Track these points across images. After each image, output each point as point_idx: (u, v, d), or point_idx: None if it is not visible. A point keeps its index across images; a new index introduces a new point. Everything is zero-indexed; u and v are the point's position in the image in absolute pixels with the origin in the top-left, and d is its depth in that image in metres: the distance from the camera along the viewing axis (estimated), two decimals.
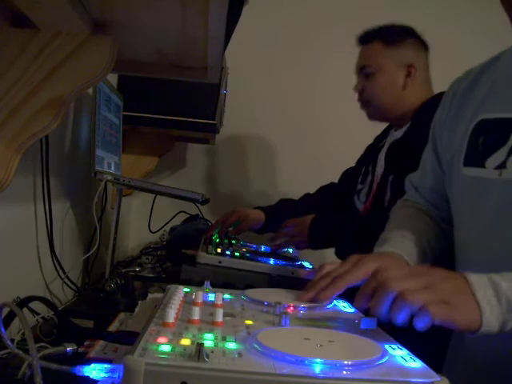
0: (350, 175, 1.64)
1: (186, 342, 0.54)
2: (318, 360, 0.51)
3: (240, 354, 0.52)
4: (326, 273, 0.84)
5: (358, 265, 0.82)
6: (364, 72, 1.44)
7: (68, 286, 1.22)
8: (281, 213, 1.54)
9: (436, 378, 0.50)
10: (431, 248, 0.96)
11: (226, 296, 0.80)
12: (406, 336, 0.65)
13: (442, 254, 0.99)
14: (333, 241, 1.39)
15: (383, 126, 1.58)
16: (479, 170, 0.83)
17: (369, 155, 1.58)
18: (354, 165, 1.67)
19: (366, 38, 1.45)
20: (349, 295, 0.83)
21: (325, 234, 1.38)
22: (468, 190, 0.86)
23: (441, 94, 1.35)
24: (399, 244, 0.92)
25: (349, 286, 0.81)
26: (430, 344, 0.83)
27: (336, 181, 1.70)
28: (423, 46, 1.45)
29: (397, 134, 1.43)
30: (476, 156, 0.84)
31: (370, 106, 1.46)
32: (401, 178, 1.30)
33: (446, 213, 0.98)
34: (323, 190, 1.69)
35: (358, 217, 1.47)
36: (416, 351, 0.58)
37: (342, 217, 1.48)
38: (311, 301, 0.79)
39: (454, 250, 0.93)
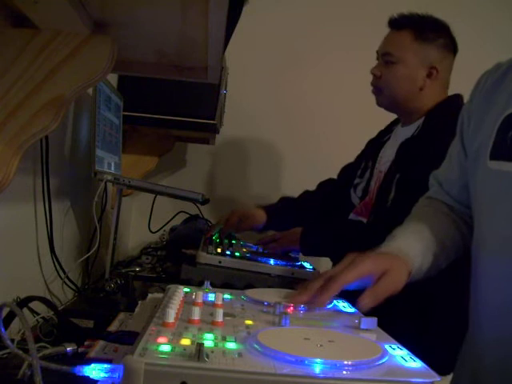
0: (348, 170, 1.62)
1: (185, 341, 0.54)
2: (318, 360, 0.51)
3: (240, 354, 0.52)
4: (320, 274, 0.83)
5: (352, 265, 0.81)
6: (385, 59, 1.38)
7: (68, 286, 1.22)
8: (282, 211, 1.54)
9: (436, 378, 0.50)
10: (445, 249, 0.93)
11: (226, 296, 0.80)
12: (408, 336, 0.65)
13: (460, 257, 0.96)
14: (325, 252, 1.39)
15: (384, 126, 1.57)
16: (507, 164, 0.80)
17: (369, 150, 1.56)
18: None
19: (398, 24, 1.38)
20: (348, 296, 0.83)
21: (317, 245, 1.37)
22: (493, 184, 0.84)
23: (456, 97, 1.34)
24: (405, 242, 0.90)
25: (345, 288, 0.79)
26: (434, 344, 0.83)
27: (335, 177, 1.69)
28: (453, 48, 1.39)
29: (406, 132, 1.39)
30: (504, 150, 0.81)
31: (382, 93, 1.41)
32: (408, 178, 1.28)
33: (471, 210, 0.94)
34: (322, 186, 1.68)
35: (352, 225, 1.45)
36: (417, 351, 0.58)
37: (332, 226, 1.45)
38: (305, 304, 0.77)
39: (472, 246, 0.90)
